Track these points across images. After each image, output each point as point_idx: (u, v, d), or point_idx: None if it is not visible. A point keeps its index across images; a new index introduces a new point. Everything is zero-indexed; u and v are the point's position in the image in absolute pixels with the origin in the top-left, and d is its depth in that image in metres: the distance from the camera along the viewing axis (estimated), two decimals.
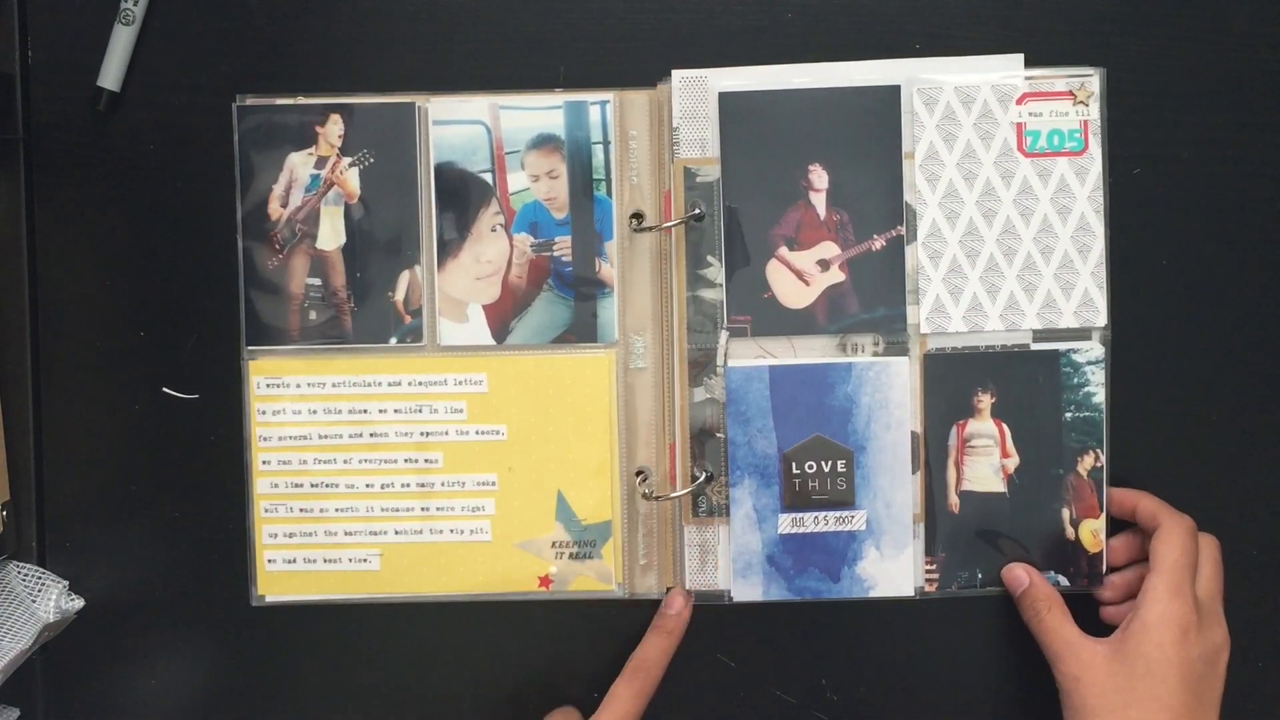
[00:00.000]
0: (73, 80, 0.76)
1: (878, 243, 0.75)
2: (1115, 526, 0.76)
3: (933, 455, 0.76)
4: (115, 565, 0.77)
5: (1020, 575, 0.75)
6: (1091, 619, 0.75)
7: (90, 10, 0.75)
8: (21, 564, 0.76)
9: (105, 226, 0.76)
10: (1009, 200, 0.75)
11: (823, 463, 0.75)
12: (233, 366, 0.76)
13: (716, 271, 0.75)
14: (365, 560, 0.76)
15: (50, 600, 0.75)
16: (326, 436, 0.76)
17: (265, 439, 0.76)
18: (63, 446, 0.77)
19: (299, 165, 0.75)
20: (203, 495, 0.77)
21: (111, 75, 0.75)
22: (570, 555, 0.76)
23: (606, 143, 0.75)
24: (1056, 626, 0.73)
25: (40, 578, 0.76)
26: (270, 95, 0.75)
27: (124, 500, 0.77)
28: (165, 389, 0.76)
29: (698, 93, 0.75)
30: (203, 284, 0.76)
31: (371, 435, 0.76)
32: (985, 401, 0.75)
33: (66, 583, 0.76)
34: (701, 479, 0.75)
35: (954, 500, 0.76)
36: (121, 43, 0.75)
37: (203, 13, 0.76)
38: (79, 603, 0.76)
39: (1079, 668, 0.71)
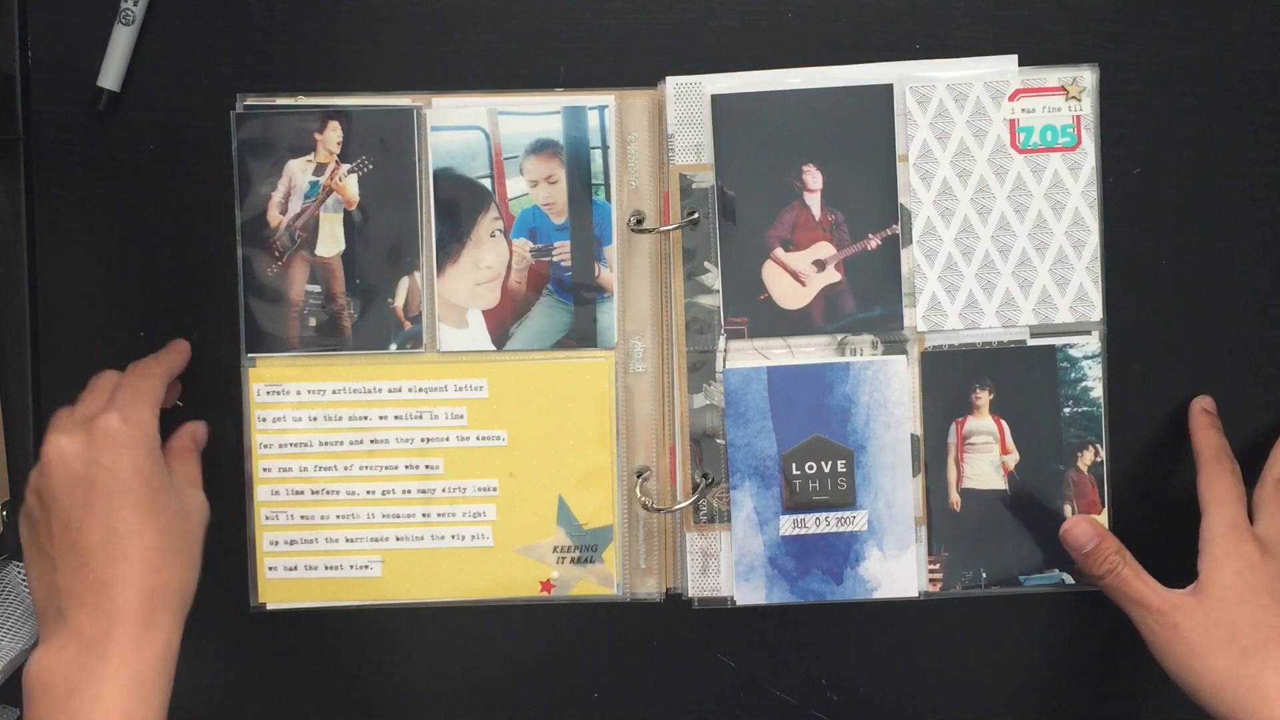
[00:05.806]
0: (73, 80, 0.75)
1: (873, 242, 0.75)
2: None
3: (932, 454, 0.76)
4: None
5: (1086, 529, 0.73)
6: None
7: (90, 10, 0.75)
8: (21, 564, 0.75)
9: (105, 227, 0.76)
10: (1003, 197, 0.75)
11: (822, 463, 0.75)
12: (232, 372, 0.76)
13: (714, 277, 0.75)
14: (367, 567, 0.76)
15: None
16: (327, 443, 0.76)
17: (265, 446, 0.76)
18: None
19: (298, 172, 0.75)
20: None
21: (111, 75, 0.75)
22: (572, 560, 0.76)
23: (605, 147, 0.75)
24: (1134, 576, 0.71)
25: None
26: (270, 95, 0.75)
27: None
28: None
29: (692, 98, 0.75)
30: (203, 284, 0.76)
31: (372, 442, 0.76)
32: (984, 398, 0.76)
33: None
34: (702, 486, 0.75)
35: (955, 498, 0.76)
36: (121, 43, 0.75)
37: (203, 13, 0.76)
38: None
39: (1175, 613, 0.69)
